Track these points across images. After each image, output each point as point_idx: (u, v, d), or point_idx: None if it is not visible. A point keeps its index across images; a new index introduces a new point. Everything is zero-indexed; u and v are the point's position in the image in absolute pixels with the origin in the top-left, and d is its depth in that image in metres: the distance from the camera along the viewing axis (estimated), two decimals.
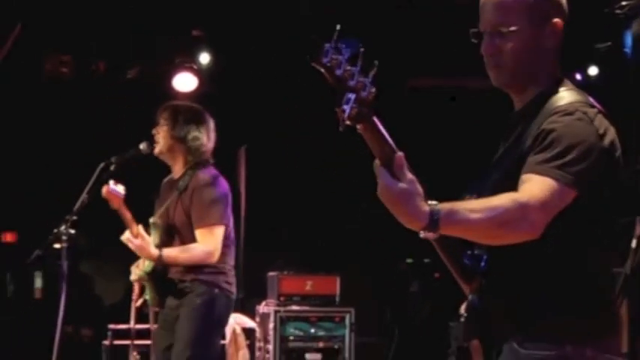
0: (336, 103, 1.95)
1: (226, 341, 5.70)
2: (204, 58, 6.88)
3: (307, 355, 6.21)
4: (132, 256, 4.59)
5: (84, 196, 4.55)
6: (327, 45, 1.96)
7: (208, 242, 4.43)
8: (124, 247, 4.50)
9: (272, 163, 7.41)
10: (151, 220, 4.63)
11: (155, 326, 4.83)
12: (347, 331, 6.26)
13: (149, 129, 4.67)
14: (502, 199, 2.06)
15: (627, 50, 5.89)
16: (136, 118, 5.15)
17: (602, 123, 2.19)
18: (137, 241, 4.43)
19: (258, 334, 6.29)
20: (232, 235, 4.65)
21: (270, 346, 6.16)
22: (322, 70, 1.97)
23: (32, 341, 6.53)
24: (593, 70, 6.74)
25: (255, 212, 7.23)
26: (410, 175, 2.01)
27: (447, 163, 6.94)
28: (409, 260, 7.46)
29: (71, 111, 7.08)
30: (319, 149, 7.13)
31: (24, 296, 7.64)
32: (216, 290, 4.47)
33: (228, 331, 5.60)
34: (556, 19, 2.29)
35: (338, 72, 1.96)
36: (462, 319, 2.30)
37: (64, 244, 4.53)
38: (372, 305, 7.22)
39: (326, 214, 7.49)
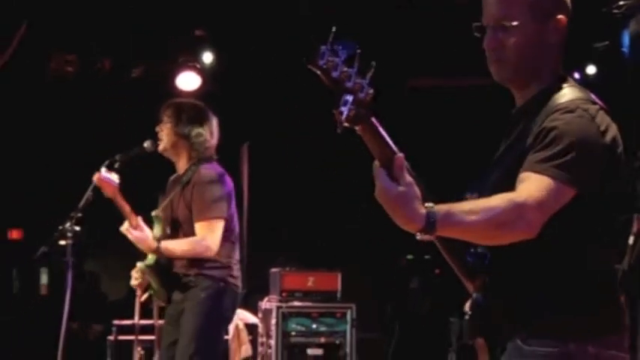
0: (333, 105, 1.93)
1: (229, 336, 5.70)
2: (207, 57, 6.89)
3: (309, 351, 6.21)
4: (136, 252, 4.60)
5: (89, 193, 4.54)
6: (323, 47, 1.94)
7: (207, 236, 4.41)
8: (129, 243, 4.51)
9: (274, 160, 7.42)
10: (153, 213, 4.63)
11: (160, 322, 4.83)
12: (348, 327, 6.26)
13: (153, 127, 4.67)
14: (498, 200, 2.04)
15: (625, 49, 5.89)
16: (140, 116, 5.15)
17: (603, 120, 2.17)
18: (136, 233, 4.43)
19: (260, 329, 6.30)
20: (237, 230, 4.64)
21: (273, 342, 6.17)
22: (319, 72, 1.95)
23: (38, 336, 6.54)
24: (591, 69, 6.74)
25: (258, 209, 7.24)
26: (408, 178, 1.99)
27: (448, 162, 6.94)
28: (410, 257, 7.46)
29: (76, 109, 7.09)
30: (321, 147, 7.14)
31: (30, 292, 7.65)
32: (221, 284, 4.45)
33: (231, 326, 5.60)
34: (560, 16, 2.26)
35: (334, 74, 1.94)
36: (467, 318, 2.29)
37: (69, 241, 4.53)
38: (372, 301, 7.23)
39: (328, 211, 7.50)
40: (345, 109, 1.92)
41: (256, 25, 6.58)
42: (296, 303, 6.28)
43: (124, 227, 4.46)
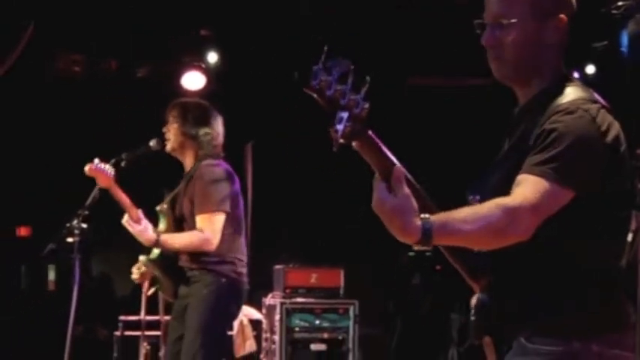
0: (329, 124, 1.91)
1: (234, 332, 5.70)
2: (212, 57, 6.88)
3: (312, 346, 6.21)
4: (142, 248, 4.60)
5: (95, 191, 4.55)
6: (315, 67, 1.92)
7: (207, 228, 4.39)
8: (135, 240, 4.51)
9: (278, 159, 7.41)
10: (158, 207, 4.63)
11: (165, 317, 4.84)
12: (351, 323, 6.26)
13: (159, 126, 4.67)
14: (492, 207, 2.03)
15: (623, 49, 5.88)
16: (146, 115, 5.15)
17: (604, 119, 2.14)
18: (137, 226, 4.43)
19: (264, 325, 6.30)
20: (243, 226, 4.62)
21: (277, 337, 6.17)
22: (313, 94, 1.93)
23: (46, 332, 6.54)
24: (590, 69, 6.73)
25: (262, 207, 7.23)
26: (406, 190, 1.98)
27: (447, 161, 6.94)
28: (411, 253, 7.45)
29: (83, 109, 7.09)
30: (323, 147, 7.13)
31: (38, 288, 7.66)
32: (223, 280, 4.44)
33: (235, 322, 5.60)
34: (561, 15, 2.23)
35: (328, 93, 1.92)
36: (472, 318, 2.27)
37: (77, 238, 4.53)
38: (375, 297, 7.22)
39: (330, 209, 7.49)
40: (340, 127, 1.90)
41: (260, 26, 6.57)
42: (299, 299, 6.28)
43: (125, 220, 4.46)
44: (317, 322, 6.24)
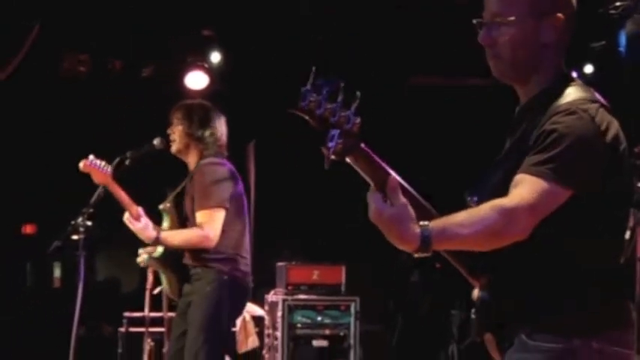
0: (321, 142, 1.91)
1: (236, 328, 5.70)
2: (215, 57, 6.88)
3: (314, 342, 6.21)
4: (146, 246, 4.60)
5: (100, 189, 4.55)
6: (303, 89, 1.92)
7: (206, 225, 4.38)
8: (139, 237, 4.51)
9: (280, 158, 7.41)
10: (161, 206, 4.63)
11: (169, 314, 4.84)
12: (352, 319, 6.26)
13: (162, 125, 4.67)
14: (488, 210, 2.02)
15: (621, 49, 5.87)
16: (150, 114, 5.15)
17: (603, 118, 2.13)
18: (137, 223, 4.43)
19: (267, 321, 6.30)
20: (246, 224, 4.60)
21: (279, 333, 6.17)
22: (303, 115, 1.93)
23: (51, 328, 6.55)
24: (588, 69, 6.72)
25: (264, 205, 7.23)
26: (402, 199, 1.98)
27: (447, 161, 6.93)
28: None
29: (88, 108, 7.09)
30: (321, 143, 7.12)
31: (43, 285, 7.66)
32: (225, 277, 4.43)
33: (238, 318, 5.60)
34: (558, 14, 2.20)
35: (318, 112, 1.92)
36: (473, 315, 2.27)
37: (82, 236, 4.53)
38: (376, 294, 7.22)
39: (331, 207, 7.49)
40: (332, 144, 1.90)
41: (262, 26, 6.57)
42: (301, 296, 6.28)
43: (126, 217, 4.46)
44: (319, 318, 6.24)
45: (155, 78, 7.08)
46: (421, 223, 1.98)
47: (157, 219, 4.65)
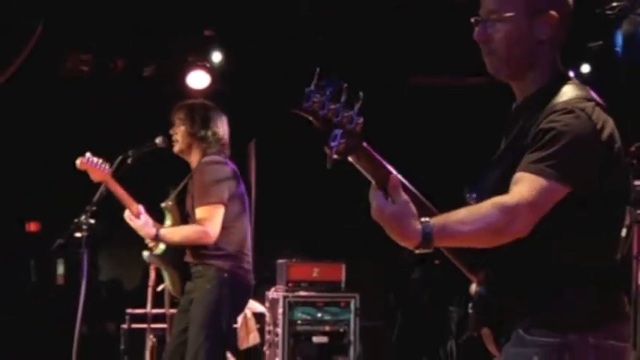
0: (322, 142, 1.92)
1: (237, 325, 5.70)
2: (216, 56, 6.88)
3: (314, 338, 6.21)
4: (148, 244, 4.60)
5: (103, 187, 4.55)
6: (307, 89, 1.93)
7: (205, 221, 4.37)
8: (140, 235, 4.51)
9: (280, 156, 7.41)
10: (163, 204, 4.63)
11: (171, 311, 4.84)
12: (352, 316, 6.26)
13: (164, 124, 4.67)
14: (490, 207, 2.03)
15: (618, 49, 5.86)
16: (152, 113, 5.15)
17: (599, 117, 2.13)
18: (137, 220, 4.43)
19: (267, 318, 6.30)
20: (247, 221, 4.60)
21: (279, 330, 6.17)
22: (307, 115, 1.93)
23: (55, 324, 6.55)
24: (585, 68, 6.72)
25: (265, 203, 7.23)
26: (404, 196, 1.99)
27: (448, 160, 6.92)
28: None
29: (91, 107, 7.09)
30: (324, 143, 7.12)
31: (47, 282, 7.67)
32: (226, 275, 4.42)
33: (239, 316, 5.60)
34: (552, 12, 2.21)
35: (322, 112, 1.93)
36: (471, 310, 2.28)
37: (85, 233, 4.54)
38: (376, 291, 7.22)
39: (332, 206, 7.49)
40: (334, 144, 1.91)
41: (263, 26, 6.57)
42: (302, 293, 6.29)
43: (126, 215, 4.46)
44: (319, 315, 6.24)
45: (157, 77, 7.08)
46: (422, 219, 1.98)
47: (159, 217, 4.65)
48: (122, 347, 5.79)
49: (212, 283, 4.40)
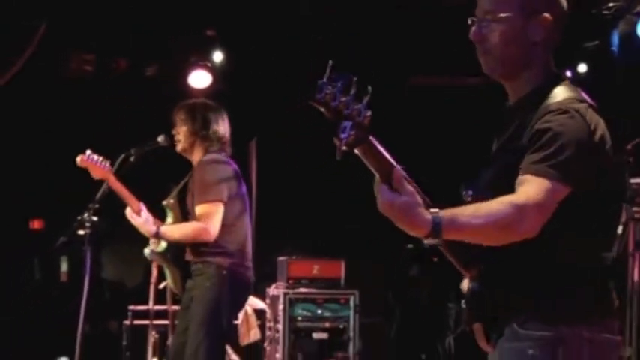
0: (333, 133, 1.93)
1: (238, 321, 5.70)
2: (218, 56, 6.88)
3: (314, 335, 6.22)
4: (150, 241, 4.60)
5: (105, 185, 4.56)
6: (320, 81, 1.94)
7: (204, 218, 4.37)
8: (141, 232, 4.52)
9: (281, 155, 7.41)
10: (164, 202, 4.63)
11: (173, 307, 4.84)
12: (351, 312, 6.26)
13: (166, 122, 4.67)
14: (500, 204, 2.04)
15: (614, 49, 5.87)
16: (154, 112, 5.15)
17: (592, 118, 2.15)
18: (139, 218, 4.43)
19: (268, 314, 6.30)
20: (246, 219, 4.59)
21: (280, 326, 6.17)
22: (319, 106, 1.95)
23: (58, 321, 6.55)
24: (582, 68, 6.72)
25: (266, 201, 7.23)
26: (410, 188, 2.01)
27: (448, 160, 6.91)
28: (410, 245, 7.45)
29: (94, 106, 7.09)
30: (324, 143, 7.12)
31: (51, 279, 7.67)
32: (225, 272, 4.42)
33: (240, 312, 5.60)
34: (546, 14, 2.23)
35: (333, 104, 1.94)
36: (464, 305, 2.29)
37: (88, 231, 4.54)
38: (375, 289, 7.22)
39: (332, 203, 7.49)
40: (344, 136, 1.92)
41: (263, 26, 6.57)
42: (302, 289, 6.29)
43: (128, 212, 4.46)
44: (319, 311, 6.24)
45: (159, 77, 7.08)
46: (432, 210, 2.00)
47: (161, 215, 4.65)
48: (125, 343, 5.79)
49: (211, 281, 4.39)
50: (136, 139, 4.73)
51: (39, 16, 6.18)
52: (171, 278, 4.69)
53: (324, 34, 6.50)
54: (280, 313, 6.18)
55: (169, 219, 4.63)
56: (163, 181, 4.84)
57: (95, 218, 4.55)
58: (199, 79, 6.84)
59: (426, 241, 2.03)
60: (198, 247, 4.44)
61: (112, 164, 4.56)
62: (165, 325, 5.14)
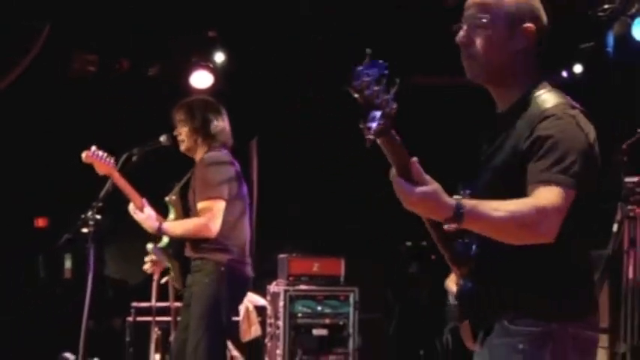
0: (362, 119, 1.96)
1: (240, 318, 5.71)
2: (219, 57, 6.88)
3: (314, 331, 6.22)
4: (153, 238, 4.60)
5: (109, 183, 4.56)
6: (358, 69, 1.96)
7: (206, 215, 4.37)
8: (146, 230, 4.51)
9: (281, 154, 7.41)
10: (166, 198, 4.63)
11: (175, 304, 4.84)
12: (351, 309, 6.27)
13: (168, 122, 4.67)
14: (523, 203, 2.07)
15: (609, 50, 5.87)
16: (156, 112, 5.15)
17: (585, 123, 2.20)
18: (141, 214, 4.43)
19: (269, 311, 6.31)
20: (245, 216, 4.59)
21: (280, 323, 6.18)
22: (354, 93, 1.97)
23: (62, 317, 6.56)
24: (578, 69, 6.72)
25: (267, 199, 7.24)
26: (429, 177, 2.04)
27: (448, 160, 6.90)
28: (408, 243, 7.46)
29: (97, 106, 7.09)
30: (324, 143, 7.13)
31: (55, 276, 7.67)
32: (223, 269, 4.41)
33: (241, 308, 5.61)
34: (529, 24, 2.28)
35: (367, 92, 1.96)
36: (456, 302, 2.31)
37: (91, 229, 4.55)
38: (374, 285, 7.22)
39: (332, 201, 7.49)
40: (374, 124, 1.94)
41: (264, 26, 6.56)
42: (302, 287, 6.29)
43: (131, 208, 4.47)
44: (319, 308, 6.25)
45: (161, 77, 7.08)
46: (456, 196, 2.04)
47: (164, 212, 4.66)
48: (128, 339, 5.80)
49: (210, 277, 4.39)
50: (138, 138, 4.73)
51: (43, 17, 6.18)
52: (172, 274, 4.70)
53: (324, 34, 6.50)
54: (281, 309, 6.18)
55: (171, 215, 4.63)
56: (165, 179, 4.84)
57: (99, 216, 4.55)
58: (201, 79, 6.84)
59: (446, 226, 2.05)
60: (199, 243, 4.44)
61: (115, 162, 4.56)
62: (167, 322, 5.14)
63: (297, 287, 6.28)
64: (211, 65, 6.86)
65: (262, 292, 6.36)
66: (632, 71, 5.89)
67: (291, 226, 7.44)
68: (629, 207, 4.13)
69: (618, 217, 3.87)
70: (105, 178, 4.58)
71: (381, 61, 1.97)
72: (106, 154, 4.49)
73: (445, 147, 7.21)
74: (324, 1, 6.30)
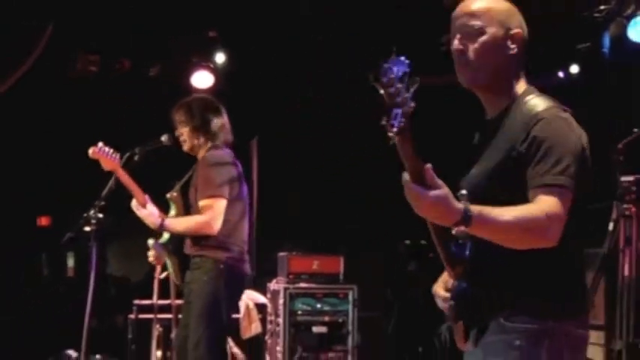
0: (385, 116, 1.96)
1: (240, 315, 5.72)
2: (220, 57, 6.88)
3: (314, 328, 6.23)
4: (154, 235, 4.61)
5: (111, 183, 4.57)
6: (385, 65, 1.97)
7: (207, 212, 4.37)
8: (148, 228, 4.52)
9: (281, 153, 7.41)
10: (168, 195, 4.64)
11: (177, 301, 4.85)
12: (350, 307, 6.27)
13: (169, 122, 4.67)
14: (530, 209, 2.08)
15: (605, 50, 5.87)
16: (158, 112, 5.16)
17: (577, 126, 2.23)
18: (144, 210, 4.44)
19: (269, 309, 6.32)
20: (245, 215, 4.58)
21: (280, 320, 6.19)
22: (381, 88, 1.98)
23: (65, 315, 6.57)
24: (574, 69, 6.72)
25: (267, 199, 7.24)
26: (441, 181, 2.05)
27: (448, 160, 6.90)
28: (407, 242, 7.46)
29: (99, 105, 7.10)
30: (324, 141, 7.13)
31: (58, 274, 7.68)
32: (222, 267, 4.41)
33: (242, 306, 5.61)
34: (518, 30, 2.33)
35: (391, 90, 1.97)
36: (452, 303, 2.32)
37: (94, 227, 4.55)
38: (373, 283, 7.23)
39: (332, 200, 7.50)
40: (396, 122, 1.95)
41: (264, 27, 6.57)
42: (302, 284, 6.30)
43: (133, 204, 4.47)
44: (318, 305, 6.26)
45: (162, 77, 7.08)
46: (464, 202, 2.04)
47: (165, 209, 4.66)
48: (130, 337, 5.80)
49: (209, 275, 4.39)
50: (139, 138, 4.73)
51: (46, 17, 6.18)
52: (172, 269, 4.70)
53: (324, 34, 6.50)
54: (281, 307, 6.19)
55: (173, 211, 4.64)
56: (166, 179, 4.85)
57: (101, 215, 4.55)
58: (202, 79, 6.85)
59: (454, 231, 2.06)
60: (199, 240, 4.45)
61: (120, 159, 4.57)
62: (169, 319, 5.15)
63: (296, 285, 6.28)
64: (212, 65, 6.87)
65: (262, 290, 6.36)
66: (628, 72, 5.90)
67: (291, 225, 7.44)
68: (625, 206, 4.14)
69: (614, 215, 3.88)
70: (106, 177, 4.59)
71: (403, 58, 1.97)
72: (112, 151, 4.51)
73: (445, 147, 7.21)
74: (324, 1, 6.30)
